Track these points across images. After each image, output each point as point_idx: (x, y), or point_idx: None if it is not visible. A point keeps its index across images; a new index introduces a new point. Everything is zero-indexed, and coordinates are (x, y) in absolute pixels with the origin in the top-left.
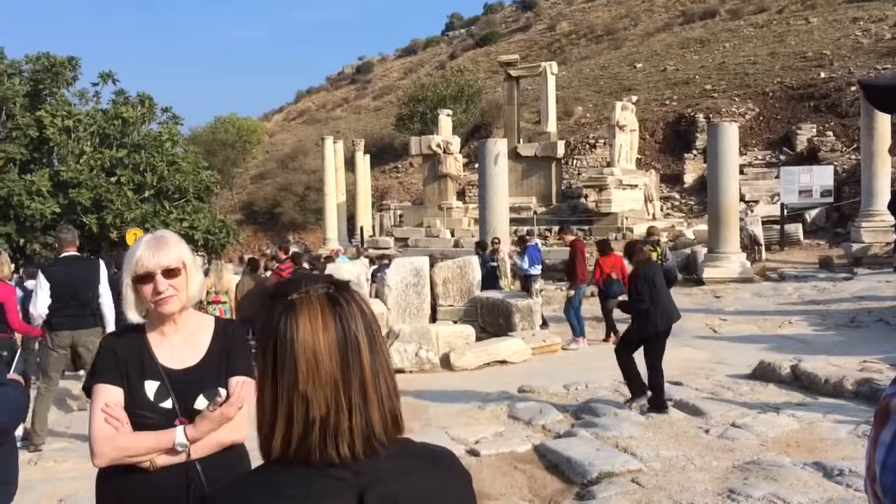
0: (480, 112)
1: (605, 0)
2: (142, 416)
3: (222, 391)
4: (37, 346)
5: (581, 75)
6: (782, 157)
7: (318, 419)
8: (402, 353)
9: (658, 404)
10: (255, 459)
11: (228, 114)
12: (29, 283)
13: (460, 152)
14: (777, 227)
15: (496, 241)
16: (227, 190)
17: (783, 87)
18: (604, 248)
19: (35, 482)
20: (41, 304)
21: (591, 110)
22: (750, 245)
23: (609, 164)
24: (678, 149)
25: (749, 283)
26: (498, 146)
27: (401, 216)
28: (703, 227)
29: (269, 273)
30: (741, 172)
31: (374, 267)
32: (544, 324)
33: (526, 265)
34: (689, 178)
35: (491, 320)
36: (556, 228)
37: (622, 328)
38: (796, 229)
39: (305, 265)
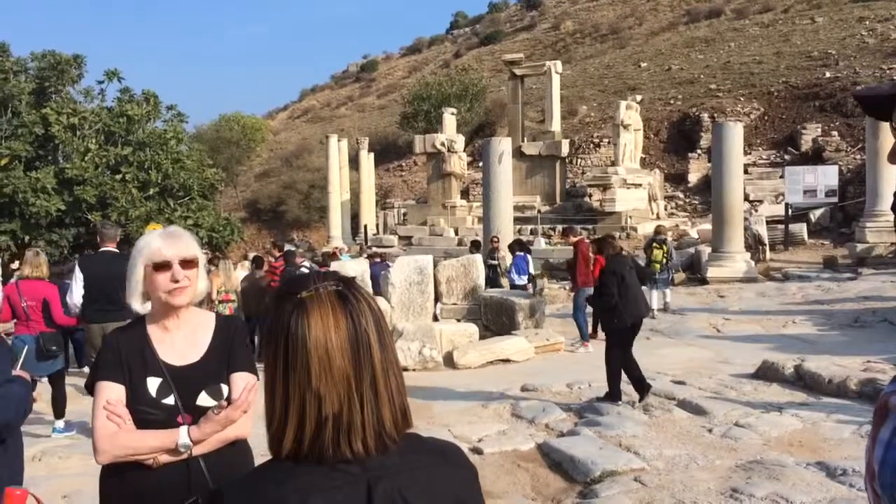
0: (485, 111)
1: None
2: (144, 412)
3: (224, 388)
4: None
5: (585, 74)
6: (787, 157)
7: (330, 416)
8: (405, 351)
9: (641, 390)
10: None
11: (233, 112)
12: None
13: (464, 151)
14: (781, 226)
15: (495, 239)
16: (232, 188)
17: (788, 86)
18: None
19: (39, 479)
20: (76, 295)
21: (595, 109)
22: (754, 245)
23: (613, 164)
24: (682, 148)
25: (753, 282)
26: (502, 145)
27: (405, 214)
28: (708, 226)
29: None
30: (746, 172)
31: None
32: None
33: (514, 276)
34: (693, 178)
35: (494, 319)
36: (559, 227)
37: None
38: (801, 229)
39: (307, 263)
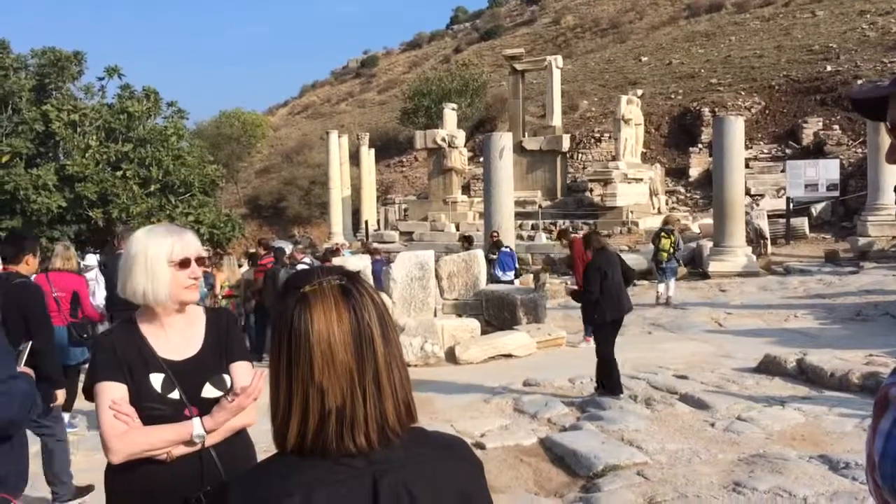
0: (485, 106)
1: None
2: (152, 408)
3: (227, 378)
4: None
5: (586, 69)
6: (788, 151)
7: (333, 410)
8: (407, 346)
9: (612, 389)
10: (262, 451)
11: (233, 108)
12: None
13: (465, 146)
14: (783, 220)
15: (495, 234)
16: (232, 184)
17: (789, 80)
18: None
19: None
20: (98, 297)
21: (596, 104)
22: (755, 239)
23: (614, 158)
24: (683, 143)
25: (754, 276)
26: (503, 140)
27: (405, 210)
28: (709, 220)
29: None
30: (747, 166)
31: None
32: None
33: (499, 272)
34: (694, 172)
35: (496, 314)
36: (560, 222)
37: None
38: (802, 223)
39: (307, 259)
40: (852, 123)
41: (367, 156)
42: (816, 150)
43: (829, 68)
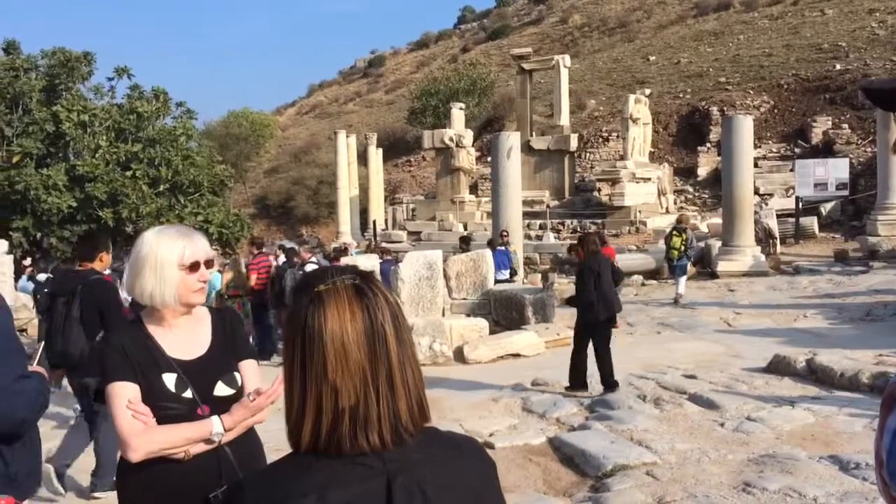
0: (493, 105)
1: None
2: (166, 407)
3: (237, 377)
4: None
5: (594, 68)
6: (797, 150)
7: (347, 409)
8: (415, 346)
9: (608, 384)
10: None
11: (241, 108)
12: (41, 276)
13: (473, 146)
14: (792, 220)
15: (504, 233)
16: (241, 184)
17: (798, 79)
18: (600, 239)
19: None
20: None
21: (604, 103)
22: (764, 238)
23: (622, 158)
24: (692, 142)
25: (763, 276)
26: (511, 140)
27: (413, 210)
28: (717, 220)
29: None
30: (755, 165)
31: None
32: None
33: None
34: (702, 172)
35: (504, 313)
36: (567, 223)
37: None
38: (811, 222)
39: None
40: (862, 122)
41: (375, 155)
42: (826, 149)
43: (838, 67)
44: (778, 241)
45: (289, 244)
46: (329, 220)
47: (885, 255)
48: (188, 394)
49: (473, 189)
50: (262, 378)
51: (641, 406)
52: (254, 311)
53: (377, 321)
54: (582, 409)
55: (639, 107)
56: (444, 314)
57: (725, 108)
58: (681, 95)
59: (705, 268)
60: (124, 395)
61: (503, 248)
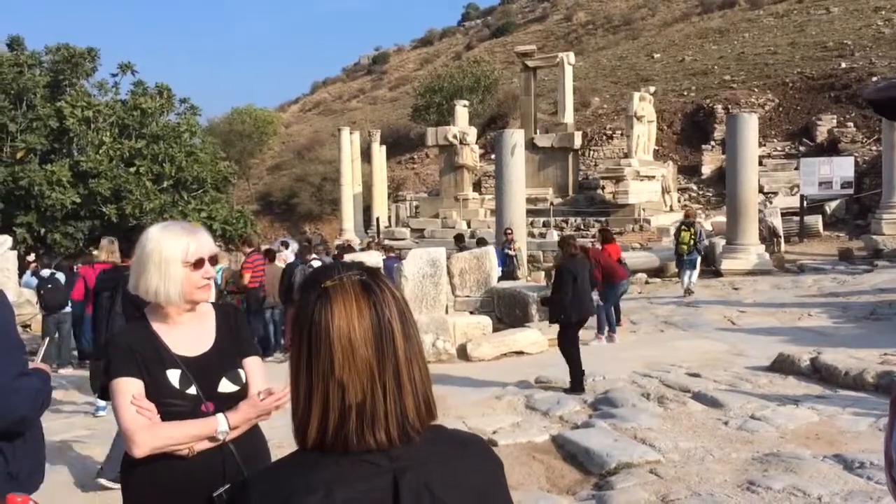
0: (497, 103)
1: None
2: (170, 404)
3: (242, 373)
4: (57, 335)
5: (598, 66)
6: (802, 149)
7: (354, 405)
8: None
9: (573, 387)
10: (275, 447)
11: (245, 105)
12: (44, 272)
13: (477, 143)
14: (796, 218)
15: (508, 231)
16: (244, 180)
17: (803, 77)
18: (606, 237)
19: (59, 468)
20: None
21: (608, 101)
22: (769, 237)
23: (626, 156)
24: (696, 140)
25: (768, 274)
26: (515, 137)
27: (417, 207)
28: (722, 218)
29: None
30: (760, 164)
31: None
32: None
33: None
34: (707, 170)
35: (507, 311)
36: (573, 220)
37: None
38: (816, 221)
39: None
40: (867, 121)
41: (379, 152)
42: (830, 148)
43: (843, 65)
44: (782, 240)
45: (292, 241)
46: (332, 217)
47: (889, 254)
48: (192, 390)
49: (477, 186)
50: (266, 375)
51: (645, 404)
52: (248, 310)
53: (384, 317)
54: (585, 406)
55: (643, 104)
56: (447, 311)
57: (730, 107)
58: (685, 93)
59: (709, 266)
60: (128, 390)
61: (494, 246)
